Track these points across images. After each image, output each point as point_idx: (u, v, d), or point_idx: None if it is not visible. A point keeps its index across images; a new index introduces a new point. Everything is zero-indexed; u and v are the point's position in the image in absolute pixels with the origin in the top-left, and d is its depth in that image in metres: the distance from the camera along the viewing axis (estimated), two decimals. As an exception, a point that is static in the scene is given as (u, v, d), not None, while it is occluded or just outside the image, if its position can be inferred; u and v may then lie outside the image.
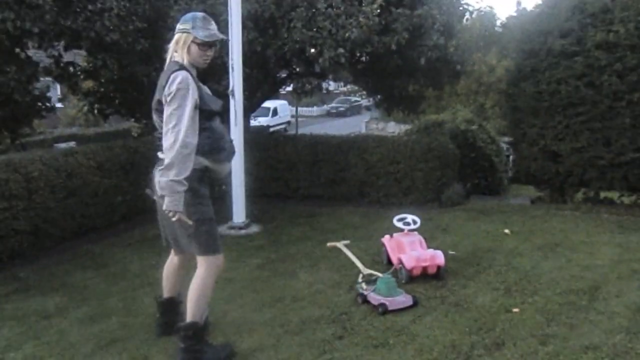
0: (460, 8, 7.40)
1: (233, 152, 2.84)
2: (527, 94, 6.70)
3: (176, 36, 2.69)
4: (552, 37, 6.48)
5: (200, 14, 2.72)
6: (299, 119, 24.23)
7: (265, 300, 3.74)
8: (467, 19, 8.21)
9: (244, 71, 5.59)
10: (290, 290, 3.91)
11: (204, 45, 2.67)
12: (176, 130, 2.48)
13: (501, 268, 4.20)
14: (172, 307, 3.09)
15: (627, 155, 5.90)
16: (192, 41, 2.64)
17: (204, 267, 2.73)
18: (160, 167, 2.58)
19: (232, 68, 5.37)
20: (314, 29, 6.02)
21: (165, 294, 3.09)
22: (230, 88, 5.43)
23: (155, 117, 2.69)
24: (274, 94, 9.80)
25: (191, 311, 2.72)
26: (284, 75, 7.90)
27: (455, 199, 6.59)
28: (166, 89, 2.53)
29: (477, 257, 4.48)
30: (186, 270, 3.01)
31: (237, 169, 5.50)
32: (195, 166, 2.57)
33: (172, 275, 3.04)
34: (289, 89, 9.20)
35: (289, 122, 27.03)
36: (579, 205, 6.43)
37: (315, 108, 37.79)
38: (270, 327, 3.28)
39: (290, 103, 26.55)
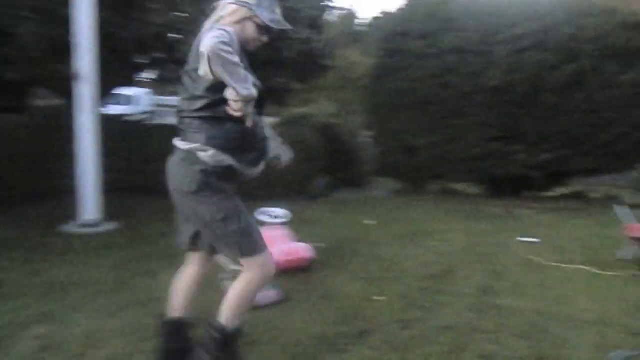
0: (322, 4, 7.62)
1: (265, 155, 2.38)
2: (389, 91, 7.14)
3: (232, 7, 2.21)
4: (411, 39, 6.97)
5: None
6: (164, 109, 23.03)
7: (120, 305, 3.44)
8: (329, 16, 8.51)
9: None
10: (148, 292, 3.65)
11: (263, 29, 2.26)
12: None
13: (365, 258, 4.39)
14: (179, 330, 2.49)
15: (474, 150, 6.59)
16: (252, 19, 2.21)
17: (249, 271, 2.29)
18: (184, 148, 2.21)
19: (77, 48, 4.88)
20: (176, 13, 5.73)
21: (174, 313, 2.49)
22: (74, 70, 4.93)
23: (187, 81, 2.20)
24: (129, 81, 9.16)
25: (226, 316, 2.28)
26: (144, 61, 7.41)
27: (320, 192, 6.78)
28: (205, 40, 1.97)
29: (342, 249, 4.64)
30: (200, 288, 2.54)
31: (88, 160, 5.03)
32: (214, 163, 2.17)
33: (184, 291, 2.49)
34: (152, 76, 8.68)
35: (151, 112, 25.54)
36: (433, 196, 7.03)
37: (182, 98, 36.18)
38: (126, 334, 3.02)
39: (155, 92, 25.10)
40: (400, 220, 5.69)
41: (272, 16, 2.28)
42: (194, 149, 2.19)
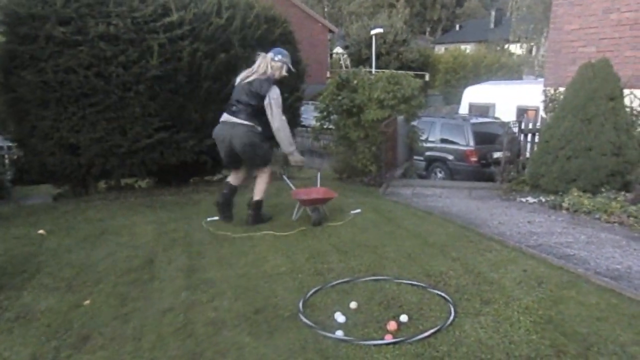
0: None
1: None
2: (31, 84, 6.41)
3: (278, 63, 4.99)
4: (50, 24, 6.41)
5: (286, 52, 5.11)
6: None
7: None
8: None
9: None
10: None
11: (288, 71, 5.11)
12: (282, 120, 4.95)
13: (53, 268, 4.02)
14: (232, 190, 5.33)
15: (142, 142, 6.63)
16: (285, 67, 5.05)
17: (263, 174, 5.21)
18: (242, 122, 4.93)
19: None
20: None
21: (232, 182, 5.31)
22: None
23: (245, 97, 4.91)
24: None
25: (255, 194, 5.24)
26: None
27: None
28: (271, 92, 4.85)
29: (20, 265, 4.09)
30: (240, 183, 5.37)
31: None
32: (259, 132, 4.96)
33: (234, 178, 5.32)
34: None
35: None
36: (105, 195, 6.77)
37: None
38: None
39: None
40: (78, 223, 5.33)
41: (290, 65, 5.14)
42: (252, 125, 4.90)
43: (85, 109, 6.48)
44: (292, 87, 7.89)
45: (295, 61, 7.86)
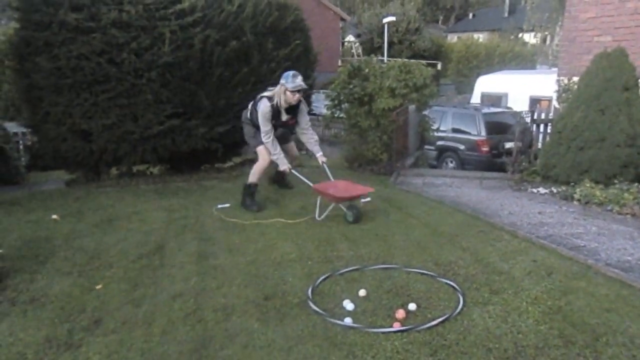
0: None
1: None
2: (45, 70, 6.45)
3: (277, 87, 5.21)
4: (63, 10, 6.43)
5: (291, 72, 5.21)
6: None
7: None
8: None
9: None
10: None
11: (292, 91, 5.15)
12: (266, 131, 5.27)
13: (66, 253, 4.07)
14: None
15: (153, 128, 6.66)
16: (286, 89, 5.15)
17: (261, 159, 5.43)
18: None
19: None
20: None
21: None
22: None
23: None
24: None
25: (249, 178, 5.44)
26: None
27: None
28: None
29: (34, 249, 4.15)
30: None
31: None
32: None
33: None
34: None
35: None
36: (117, 181, 6.83)
37: None
38: None
39: None
40: (90, 209, 5.39)
41: (294, 84, 5.11)
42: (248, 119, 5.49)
43: (98, 95, 6.52)
44: (303, 75, 7.88)
45: (306, 49, 7.85)
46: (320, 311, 3.08)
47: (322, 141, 13.33)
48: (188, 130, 6.84)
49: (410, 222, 4.96)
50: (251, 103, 5.52)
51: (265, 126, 5.19)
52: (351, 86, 8.05)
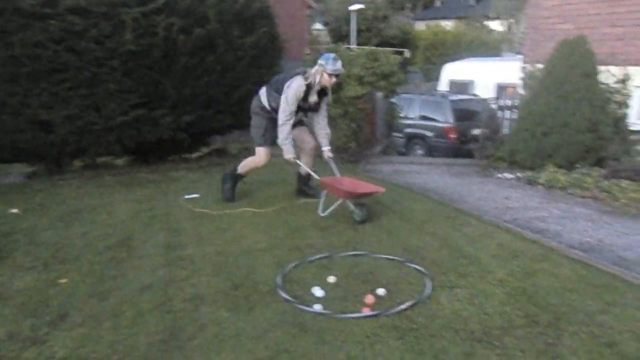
0: None
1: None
2: (0, 59, 6.24)
3: (315, 67, 4.82)
4: (20, -4, 6.23)
5: (332, 55, 4.84)
6: None
7: None
8: None
9: None
10: None
11: (331, 75, 4.80)
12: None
13: (28, 247, 3.99)
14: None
15: (117, 119, 6.53)
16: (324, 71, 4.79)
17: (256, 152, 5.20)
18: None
19: None
20: None
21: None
22: None
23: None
24: None
25: (240, 167, 5.34)
26: None
27: None
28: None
29: (-4, 244, 4.05)
30: None
31: None
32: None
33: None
34: None
35: None
36: (81, 173, 6.69)
37: None
38: None
39: None
40: (53, 202, 5.27)
41: (334, 67, 4.77)
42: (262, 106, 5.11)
43: (57, 84, 6.34)
44: (270, 63, 7.83)
45: (272, 37, 7.81)
46: (290, 298, 3.11)
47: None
48: (153, 120, 6.73)
49: (379, 209, 5.03)
50: (264, 88, 5.18)
51: (290, 106, 4.79)
52: (319, 74, 8.05)
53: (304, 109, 5.04)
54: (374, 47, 9.15)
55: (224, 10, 6.98)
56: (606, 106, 7.40)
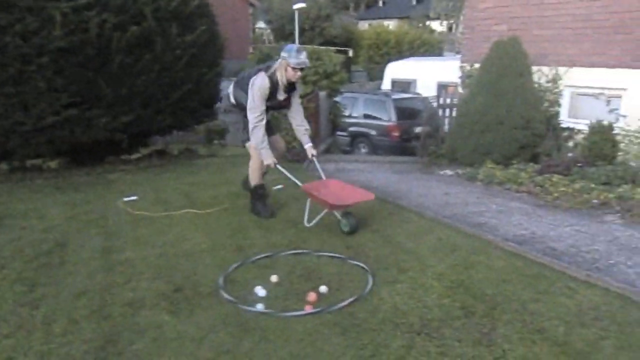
0: None
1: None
2: None
3: (279, 60, 4.49)
4: None
5: (295, 46, 4.53)
6: None
7: None
8: None
9: None
10: None
11: (294, 68, 4.46)
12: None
13: (-50, 256, 3.76)
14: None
15: (48, 119, 6.26)
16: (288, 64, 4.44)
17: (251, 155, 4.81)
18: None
19: None
20: None
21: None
22: None
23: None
24: None
25: (250, 180, 4.92)
26: None
27: None
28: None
29: None
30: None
31: None
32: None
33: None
34: None
35: None
36: (8, 177, 6.39)
37: None
38: None
39: None
40: (-23, 208, 5.01)
41: (297, 60, 4.39)
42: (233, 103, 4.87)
43: (-20, 83, 6.02)
44: (211, 62, 7.74)
45: (213, 36, 7.72)
46: (232, 299, 3.11)
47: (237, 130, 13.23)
48: (88, 121, 6.50)
49: (321, 208, 5.08)
50: (232, 85, 4.88)
51: (258, 106, 4.42)
52: (261, 73, 8.04)
53: (274, 107, 4.78)
54: (316, 46, 9.22)
55: (160, 7, 6.84)
56: (539, 104, 7.78)
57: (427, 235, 4.36)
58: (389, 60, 19.26)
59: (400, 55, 25.62)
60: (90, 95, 6.51)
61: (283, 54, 4.45)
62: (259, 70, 4.56)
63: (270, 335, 2.74)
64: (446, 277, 3.49)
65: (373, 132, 11.49)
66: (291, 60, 4.37)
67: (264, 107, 4.47)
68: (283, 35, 30.52)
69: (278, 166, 4.62)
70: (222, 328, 2.81)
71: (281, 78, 4.47)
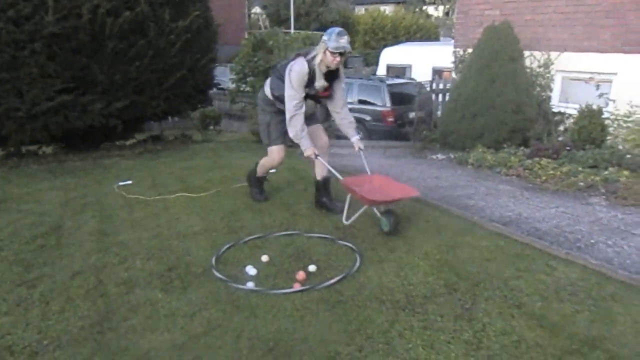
0: None
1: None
2: None
3: (319, 45, 4.12)
4: None
5: (337, 29, 4.10)
6: None
7: None
8: None
9: None
10: None
11: (334, 53, 4.04)
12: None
13: (-51, 238, 3.86)
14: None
15: (42, 105, 6.33)
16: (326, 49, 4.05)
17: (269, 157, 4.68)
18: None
19: None
20: None
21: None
22: None
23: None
24: None
25: (257, 169, 4.84)
26: None
27: None
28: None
29: None
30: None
31: None
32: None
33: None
34: None
35: None
36: (3, 162, 6.47)
37: None
38: None
39: None
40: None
41: (337, 44, 4.02)
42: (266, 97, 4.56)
43: (-26, 68, 6.08)
44: (204, 48, 7.79)
45: (207, 21, 7.76)
46: (224, 277, 3.22)
47: (230, 116, 13.28)
48: (82, 106, 6.57)
49: (313, 191, 5.17)
50: (269, 78, 4.56)
51: (296, 93, 4.09)
52: (256, 59, 8.10)
53: (312, 97, 4.33)
54: (309, 32, 9.25)
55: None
56: (530, 89, 7.86)
57: (416, 217, 4.46)
58: (385, 46, 19.24)
59: (396, 40, 25.56)
60: (84, 81, 6.58)
61: (324, 37, 4.10)
62: (298, 54, 4.24)
63: (260, 312, 2.85)
64: (432, 256, 3.60)
65: (367, 118, 11.53)
66: (330, 44, 4.01)
67: (303, 94, 4.14)
68: (279, 20, 30.38)
69: (319, 158, 4.36)
70: (214, 305, 2.92)
71: (319, 63, 4.11)
